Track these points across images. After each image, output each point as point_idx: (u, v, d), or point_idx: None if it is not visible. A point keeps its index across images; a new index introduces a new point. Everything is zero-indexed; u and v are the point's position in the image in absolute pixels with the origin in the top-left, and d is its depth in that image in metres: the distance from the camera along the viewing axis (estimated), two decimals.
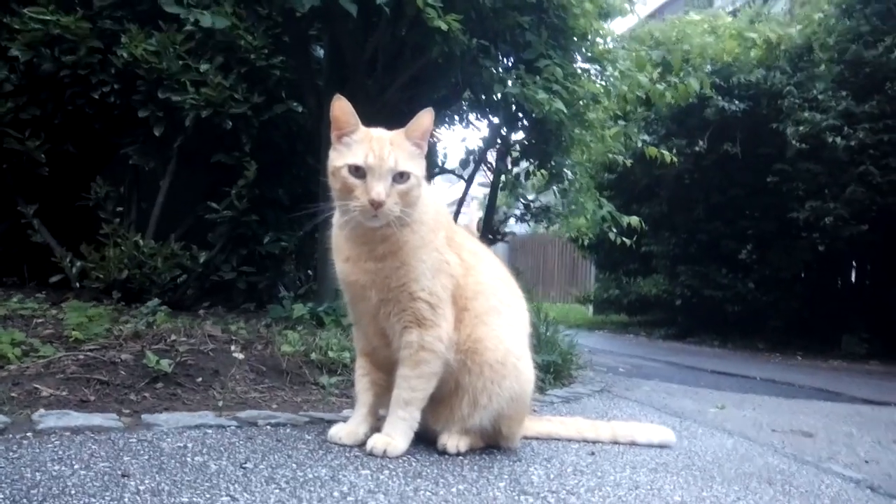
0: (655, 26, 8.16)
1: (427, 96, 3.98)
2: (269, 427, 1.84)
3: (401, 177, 1.48)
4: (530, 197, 4.05)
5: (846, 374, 6.51)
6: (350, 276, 1.58)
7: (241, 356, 2.49)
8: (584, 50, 3.22)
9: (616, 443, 2.03)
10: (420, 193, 1.51)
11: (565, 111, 2.94)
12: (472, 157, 4.00)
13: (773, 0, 15.42)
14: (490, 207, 3.89)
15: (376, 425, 1.65)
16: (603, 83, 3.36)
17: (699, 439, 2.26)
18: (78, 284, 3.84)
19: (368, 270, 1.54)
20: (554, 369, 3.15)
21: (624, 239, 4.00)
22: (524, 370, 1.63)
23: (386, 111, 3.14)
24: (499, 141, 3.91)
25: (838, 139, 7.21)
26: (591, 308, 13.55)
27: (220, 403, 2.05)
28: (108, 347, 2.41)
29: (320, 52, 4.38)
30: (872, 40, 7.22)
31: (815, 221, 7.70)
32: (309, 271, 7.03)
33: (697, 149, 8.35)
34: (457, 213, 4.83)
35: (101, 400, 2.00)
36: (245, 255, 5.05)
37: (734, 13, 10.71)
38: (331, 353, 2.57)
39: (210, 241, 4.99)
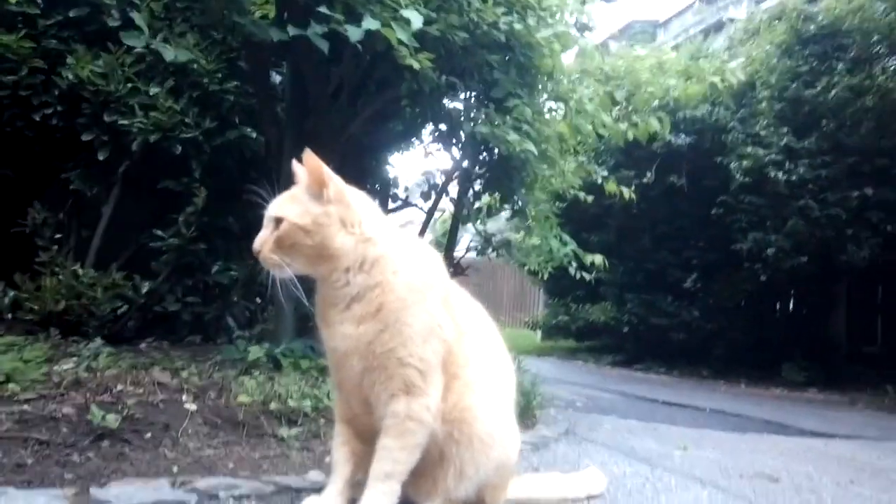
0: (606, 61, 8.35)
1: (388, 130, 3.92)
2: (232, 500, 1.69)
3: (276, 223, 1.40)
4: (492, 230, 4.01)
5: (789, 402, 6.70)
6: (329, 341, 1.46)
7: (193, 407, 2.32)
8: (550, 88, 3.22)
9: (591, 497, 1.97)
10: (304, 240, 1.38)
11: (535, 152, 2.92)
12: (433, 190, 3.94)
13: (712, 37, 16.12)
14: (451, 240, 3.83)
15: (353, 497, 1.53)
16: (568, 122, 3.37)
17: (675, 492, 2.22)
18: (10, 316, 3.58)
19: (348, 336, 1.41)
20: (518, 410, 3.06)
21: (584, 274, 4.01)
22: (512, 437, 1.55)
23: (349, 145, 3.05)
24: (457, 174, 3.86)
25: (780, 174, 7.49)
26: (539, 333, 13.63)
27: (175, 468, 1.88)
28: (47, 398, 2.21)
29: (276, 78, 4.27)
30: (811, 80, 7.57)
31: (757, 252, 7.95)
32: (258, 300, 6.79)
33: (645, 180, 8.55)
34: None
35: (39, 463, 1.80)
36: (191, 286, 4.86)
37: (676, 48, 11.10)
38: (291, 402, 2.42)
39: (154, 270, 4.79)
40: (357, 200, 1.45)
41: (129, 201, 4.49)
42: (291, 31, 2.23)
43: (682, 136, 8.40)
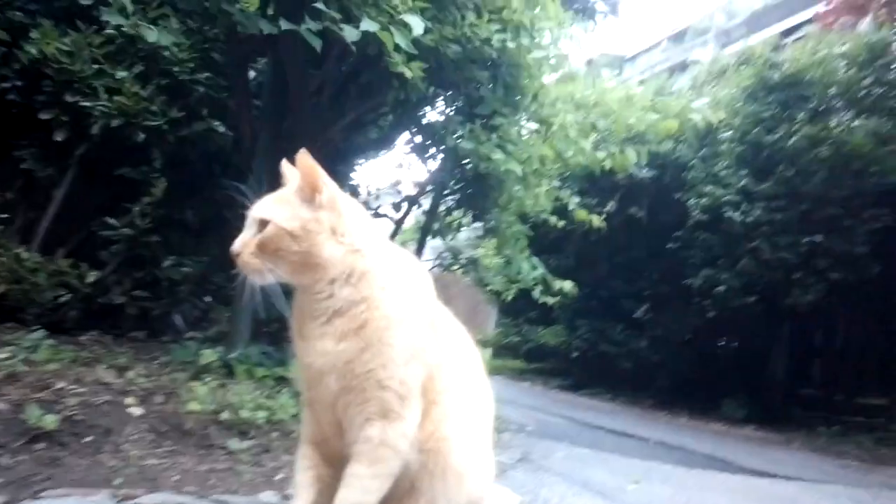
0: (575, 88, 8.49)
1: (365, 136, 3.84)
2: None
3: (261, 225, 1.31)
4: (462, 247, 3.97)
5: (729, 438, 6.82)
6: (305, 357, 1.35)
7: (138, 411, 2.18)
8: (532, 110, 3.20)
9: None
10: (291, 246, 1.28)
11: (519, 172, 2.89)
12: (405, 201, 3.87)
13: (677, 75, 16.58)
14: (418, 252, 3.76)
15: None
16: (551, 145, 3.36)
17: None
18: None
19: (327, 352, 1.31)
20: None
21: (548, 299, 3.99)
22: (487, 471, 1.48)
23: (327, 149, 2.96)
24: (430, 187, 3.80)
25: (736, 214, 7.68)
26: (489, 352, 13.64)
27: (116, 479, 1.75)
28: None
29: (250, 74, 4.15)
30: (772, 126, 7.81)
31: (707, 289, 8.13)
32: (208, 298, 6.57)
33: (607, 209, 8.66)
34: None
35: None
36: (140, 279, 4.68)
37: (642, 83, 11.38)
38: (243, 413, 2.30)
39: (102, 259, 4.59)
40: (349, 209, 1.37)
41: (83, 186, 4.32)
42: (284, 24, 2.14)
43: (646, 169, 8.55)
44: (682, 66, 19.41)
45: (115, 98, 3.83)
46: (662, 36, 22.27)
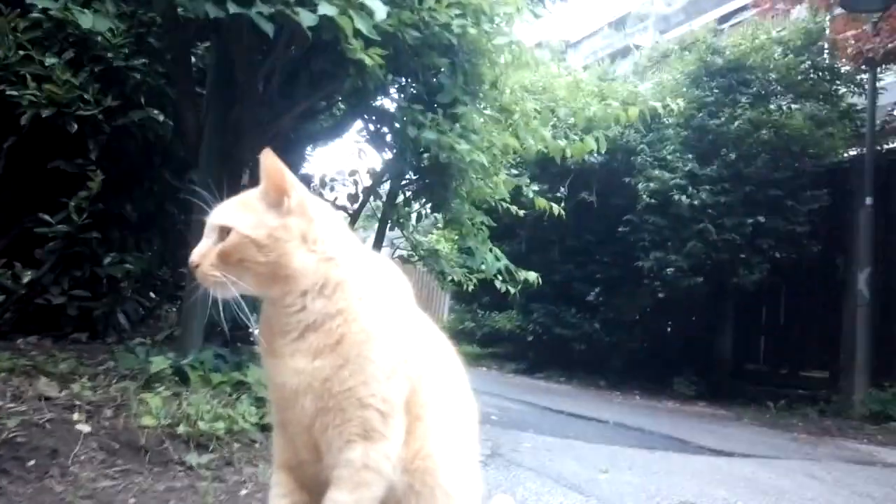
0: (525, 75, 8.47)
1: (317, 124, 3.69)
2: None
3: (222, 233, 1.19)
4: (422, 238, 3.88)
5: (682, 416, 6.98)
6: (276, 376, 1.22)
7: (86, 429, 2.01)
8: (492, 98, 3.12)
9: None
10: (256, 256, 1.17)
11: (484, 162, 2.81)
12: (362, 193, 3.75)
13: (619, 61, 16.80)
14: (377, 245, 3.66)
15: None
16: (513, 134, 3.29)
17: None
18: None
19: (300, 371, 1.19)
20: None
21: (510, 288, 3.95)
22: (476, 487, 1.40)
23: (276, 141, 2.81)
24: (386, 177, 3.69)
25: (683, 197, 7.83)
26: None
27: (67, 503, 1.60)
28: None
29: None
30: (715, 110, 7.98)
31: (657, 271, 8.29)
32: (153, 295, 6.31)
33: (559, 195, 8.70)
34: None
35: None
36: (79, 278, 4.45)
37: (585, 68, 11.48)
38: (201, 425, 2.16)
39: (38, 258, 4.35)
40: (320, 213, 1.25)
41: (13, 180, 4.07)
42: (232, 8, 1.98)
43: (595, 154, 8.61)
44: (624, 52, 19.68)
45: (45, 86, 3.61)
46: (603, 22, 22.50)
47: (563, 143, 3.63)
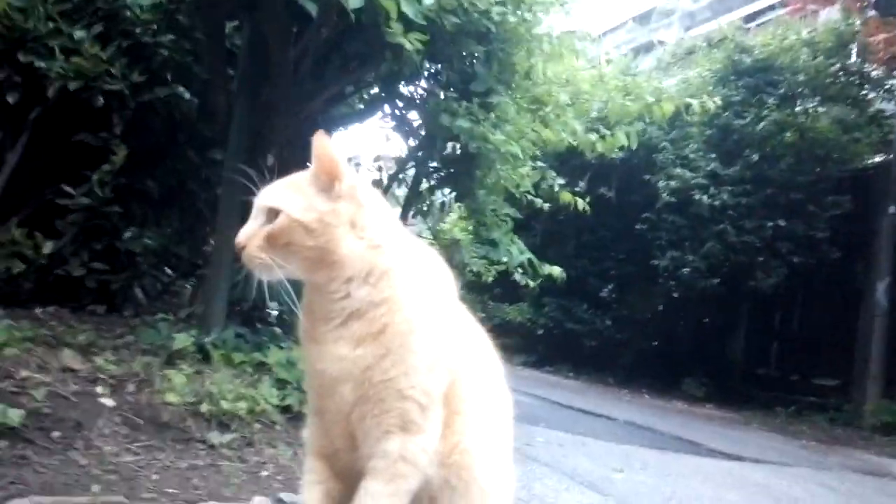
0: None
1: (346, 107, 3.66)
2: None
3: (271, 215, 1.16)
4: (444, 226, 3.86)
5: (692, 418, 6.94)
6: (317, 363, 1.20)
7: (110, 403, 2.02)
8: (525, 88, 3.07)
9: None
10: (305, 240, 1.14)
11: (519, 154, 2.78)
12: (385, 178, 3.72)
13: (642, 56, 16.63)
14: None
15: None
16: (550, 127, 3.25)
17: None
18: None
19: (342, 358, 1.17)
20: None
21: (529, 281, 3.92)
22: (511, 483, 1.38)
23: (307, 123, 2.78)
24: (412, 164, 3.66)
25: (704, 197, 7.75)
26: None
27: (91, 483, 1.60)
28: None
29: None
30: (741, 110, 7.87)
31: (673, 270, 8.23)
32: (168, 270, 6.31)
33: (577, 189, 8.62)
34: None
35: None
36: (99, 251, 4.48)
37: (609, 62, 11.36)
38: (224, 404, 2.16)
39: (59, 229, 4.37)
40: (370, 199, 1.22)
41: (38, 151, 4.09)
42: None
43: (616, 149, 8.53)
44: (648, 47, 19.48)
45: (73, 59, 3.62)
46: (628, 16, 22.25)
47: (593, 137, 3.58)
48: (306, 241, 1.15)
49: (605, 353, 9.55)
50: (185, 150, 5.01)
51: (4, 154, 3.75)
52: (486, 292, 11.71)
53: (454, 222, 4.21)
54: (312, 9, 2.00)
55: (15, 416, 1.70)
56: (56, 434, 1.79)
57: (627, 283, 9.25)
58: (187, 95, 4.43)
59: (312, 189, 1.17)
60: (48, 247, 4.19)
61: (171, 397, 2.09)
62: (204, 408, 2.12)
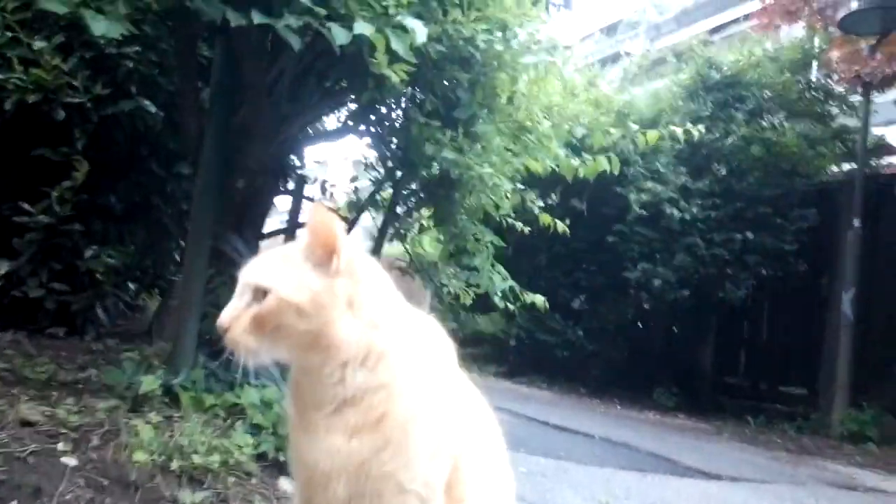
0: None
1: (321, 127, 3.55)
2: None
3: (261, 294, 1.05)
4: (420, 251, 3.76)
5: (665, 431, 6.94)
6: (306, 453, 1.09)
7: (72, 462, 1.86)
8: (507, 113, 3.00)
9: None
10: (296, 323, 1.03)
11: (507, 186, 2.70)
12: (359, 200, 3.61)
13: (609, 66, 16.77)
14: (376, 254, 3.54)
15: None
16: (534, 156, 3.18)
17: None
18: None
19: (336, 451, 1.05)
20: None
21: (509, 305, 3.86)
22: None
23: (283, 146, 2.66)
24: (389, 185, 3.56)
25: (675, 211, 7.81)
26: None
27: None
28: None
29: None
30: (710, 125, 7.95)
31: (644, 282, 8.27)
32: (132, 286, 6.10)
33: (550, 202, 8.61)
34: None
35: None
36: (59, 270, 4.31)
37: (577, 72, 11.44)
38: (195, 458, 2.02)
39: (16, 248, 4.20)
40: (368, 272, 1.11)
41: None
42: (257, 17, 1.82)
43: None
44: (614, 58, 19.68)
45: (32, 71, 3.49)
46: (595, 27, 22.50)
47: (576, 162, 3.53)
48: (298, 324, 1.03)
49: (577, 363, 9.55)
50: (149, 163, 4.84)
51: None
52: (457, 301, 11.67)
53: (432, 243, 4.12)
54: (296, 43, 1.88)
55: None
56: None
57: (599, 295, 9.26)
58: (153, 109, 4.29)
59: (307, 264, 1.06)
60: (4, 266, 4.04)
61: (140, 456, 1.94)
62: (174, 465, 1.97)
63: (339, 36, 1.79)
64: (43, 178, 4.14)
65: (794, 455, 6.31)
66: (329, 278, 1.05)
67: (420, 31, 1.85)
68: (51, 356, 3.57)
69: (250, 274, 1.07)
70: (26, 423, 2.01)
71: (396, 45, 1.83)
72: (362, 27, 1.78)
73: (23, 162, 4.09)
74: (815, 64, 8.29)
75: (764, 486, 4.45)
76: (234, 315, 1.05)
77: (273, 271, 1.06)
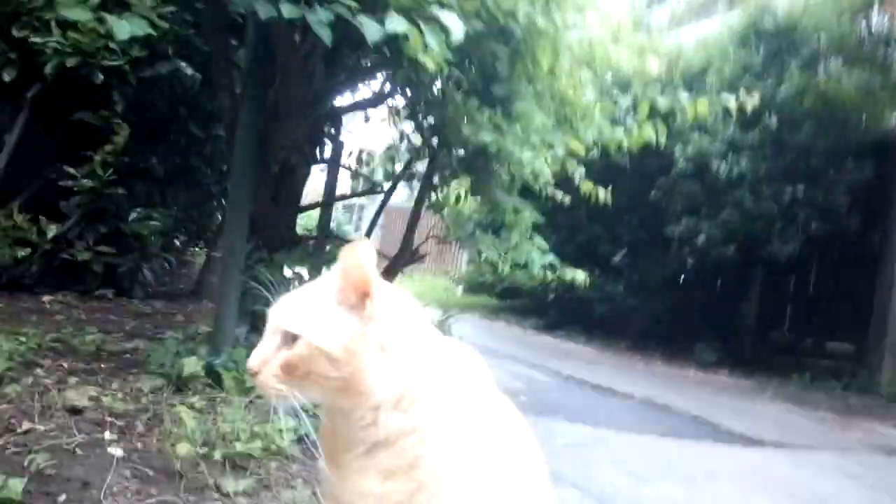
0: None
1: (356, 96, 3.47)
2: None
3: (288, 338, 1.00)
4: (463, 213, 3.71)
5: (707, 391, 6.87)
6: (338, 492, 1.06)
7: (119, 453, 1.91)
8: (548, 84, 2.85)
9: None
10: (328, 370, 0.99)
11: (547, 170, 2.60)
12: (396, 172, 3.55)
13: (655, 6, 15.95)
14: (412, 225, 3.50)
15: None
16: (576, 136, 3.06)
17: None
18: None
19: (367, 494, 1.02)
20: None
21: (548, 275, 3.79)
22: None
23: (316, 126, 2.60)
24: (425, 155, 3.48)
25: (722, 164, 7.50)
26: (460, 289, 13.56)
27: None
28: None
29: None
30: (762, 73, 7.54)
31: (688, 238, 8.05)
32: (178, 246, 6.22)
33: (590, 157, 8.38)
34: (371, 229, 4.36)
35: None
36: (104, 233, 4.41)
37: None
38: (238, 445, 2.05)
39: (63, 211, 4.29)
40: (401, 311, 1.06)
41: (37, 131, 4.01)
42: (287, 11, 1.74)
43: (632, 113, 8.25)
44: None
45: (70, 34, 3.48)
46: None
47: (620, 133, 3.38)
48: (330, 371, 0.99)
49: (617, 318, 9.48)
50: (187, 125, 4.85)
51: (3, 135, 3.65)
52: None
53: (467, 208, 4.04)
54: (327, 37, 1.79)
55: (17, 486, 1.58)
56: (62, 499, 1.68)
57: (640, 250, 9.09)
58: (189, 71, 4.27)
59: (339, 308, 1.01)
60: (52, 230, 4.13)
61: (183, 447, 1.97)
62: (217, 454, 2.01)
63: (372, 31, 1.69)
64: (85, 142, 4.18)
65: (840, 416, 6.17)
66: (362, 324, 1.00)
67: (456, 28, 1.74)
68: (99, 323, 3.68)
69: (280, 317, 1.02)
70: (73, 411, 2.07)
71: (431, 41, 1.72)
72: (395, 23, 1.68)
73: (65, 126, 4.13)
74: (875, 6, 7.71)
75: (809, 455, 4.37)
76: (264, 359, 1.01)
77: (304, 316, 1.01)
